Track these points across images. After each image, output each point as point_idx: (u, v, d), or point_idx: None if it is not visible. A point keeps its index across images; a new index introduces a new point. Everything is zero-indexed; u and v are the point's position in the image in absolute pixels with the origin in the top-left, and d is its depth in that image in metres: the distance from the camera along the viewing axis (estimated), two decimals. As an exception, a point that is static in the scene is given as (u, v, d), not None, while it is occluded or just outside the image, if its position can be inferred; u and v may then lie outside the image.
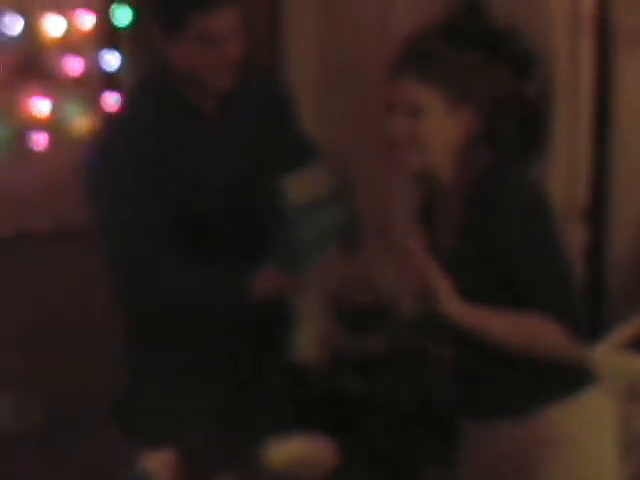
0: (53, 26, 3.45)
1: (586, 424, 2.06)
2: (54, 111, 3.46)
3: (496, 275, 1.99)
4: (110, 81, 3.58)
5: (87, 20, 3.53)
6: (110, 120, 2.45)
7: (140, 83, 2.43)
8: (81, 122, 3.54)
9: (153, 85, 2.38)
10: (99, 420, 2.80)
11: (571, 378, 2.03)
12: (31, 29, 3.42)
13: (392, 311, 2.44)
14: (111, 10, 3.57)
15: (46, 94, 3.43)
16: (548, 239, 1.97)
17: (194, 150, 2.36)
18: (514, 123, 2.98)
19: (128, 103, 2.41)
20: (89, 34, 3.55)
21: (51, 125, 3.45)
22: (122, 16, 3.59)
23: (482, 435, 2.11)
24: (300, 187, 2.19)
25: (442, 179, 2.05)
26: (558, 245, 1.98)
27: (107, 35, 3.59)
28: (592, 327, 3.62)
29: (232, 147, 2.41)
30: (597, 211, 3.69)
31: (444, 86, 1.97)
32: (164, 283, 2.33)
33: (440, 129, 1.99)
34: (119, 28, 3.59)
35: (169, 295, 2.34)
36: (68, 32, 3.48)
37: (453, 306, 1.92)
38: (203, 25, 2.23)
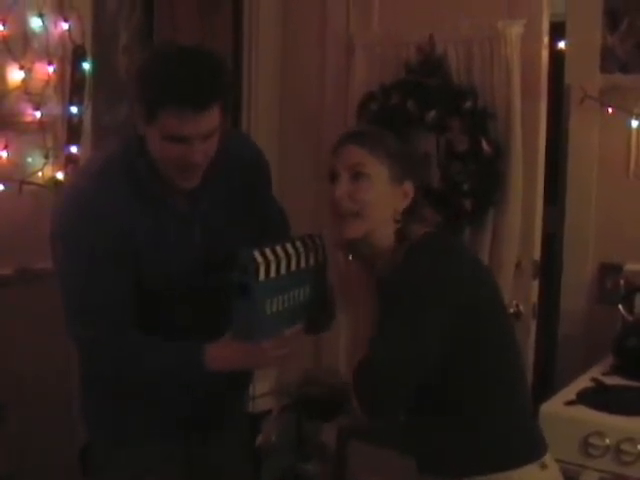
0: (13, 75, 3.45)
1: None
2: (14, 158, 3.45)
3: None
4: (72, 129, 3.58)
5: (49, 70, 3.53)
6: (80, 187, 2.32)
7: (116, 153, 2.32)
8: (42, 169, 3.54)
9: (128, 161, 2.28)
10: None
11: (506, 456, 2.08)
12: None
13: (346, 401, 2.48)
14: (73, 61, 3.58)
15: (6, 141, 3.42)
16: (412, 319, 2.01)
17: (162, 238, 2.31)
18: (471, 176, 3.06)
19: (101, 173, 2.28)
20: (51, 84, 3.55)
21: (11, 172, 3.44)
22: (84, 67, 3.61)
23: None
24: (269, 258, 2.18)
25: (379, 246, 2.16)
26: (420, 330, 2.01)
27: (69, 85, 3.60)
28: (544, 377, 3.70)
29: (202, 234, 2.36)
30: (550, 264, 3.77)
31: (387, 161, 2.12)
32: (123, 357, 2.27)
33: (383, 197, 2.13)
34: (81, 78, 3.59)
35: (128, 368, 2.28)
36: (30, 81, 3.48)
37: None
38: (169, 124, 2.13)
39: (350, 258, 2.22)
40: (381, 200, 2.13)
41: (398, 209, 2.16)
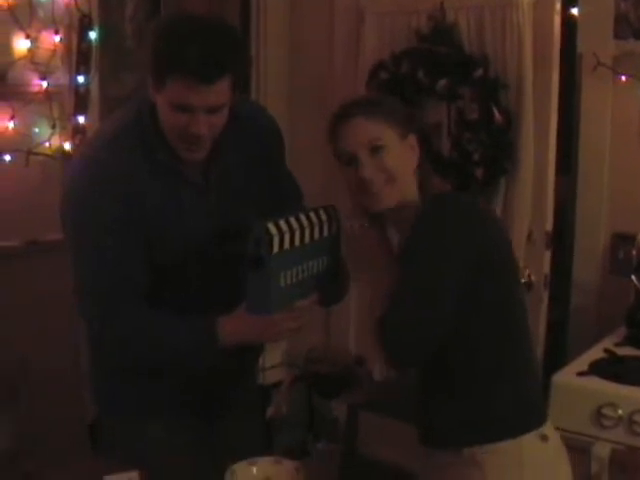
0: (19, 44, 3.42)
1: (514, 470, 2.08)
2: (21, 128, 3.43)
3: None
4: (79, 99, 3.56)
5: (55, 39, 3.50)
6: (90, 155, 2.29)
7: (126, 121, 2.28)
8: (49, 139, 3.51)
9: (139, 129, 2.25)
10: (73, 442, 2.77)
11: (508, 424, 2.09)
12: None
13: (354, 378, 2.50)
14: (80, 30, 3.55)
15: (13, 112, 3.40)
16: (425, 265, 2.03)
17: (174, 206, 2.28)
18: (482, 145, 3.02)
19: (111, 142, 2.25)
20: (57, 53, 3.52)
21: (18, 142, 3.42)
22: (91, 36, 3.58)
23: (433, 461, 2.20)
24: (283, 230, 2.15)
25: (409, 206, 2.14)
26: (428, 277, 2.02)
27: (75, 54, 3.57)
28: (557, 348, 3.68)
29: (215, 203, 2.34)
30: (563, 234, 3.74)
31: (390, 122, 2.13)
32: (135, 330, 2.25)
33: (401, 157, 2.14)
34: (88, 48, 3.57)
35: (139, 342, 2.26)
36: (36, 51, 3.45)
37: None
38: (175, 92, 2.10)
39: (365, 225, 2.21)
40: (401, 160, 2.14)
41: (414, 163, 2.18)
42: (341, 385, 2.25)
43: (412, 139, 2.18)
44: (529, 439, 2.08)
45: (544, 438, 2.10)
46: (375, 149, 2.11)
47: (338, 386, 2.25)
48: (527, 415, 2.12)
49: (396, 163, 2.12)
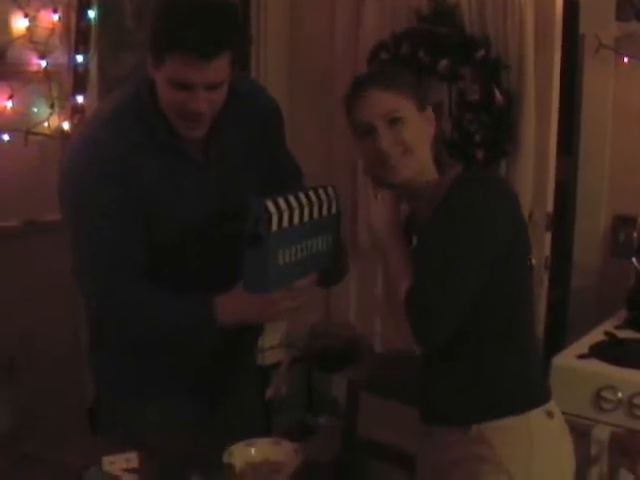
0: (18, 23, 3.39)
1: (523, 446, 2.08)
2: (20, 108, 3.42)
3: None
4: (78, 79, 3.54)
5: (54, 17, 3.48)
6: (89, 134, 2.28)
7: (125, 100, 2.27)
8: (48, 119, 3.50)
9: (138, 107, 2.24)
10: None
11: (516, 399, 2.10)
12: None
13: (356, 352, 2.50)
14: (79, 8, 3.53)
15: (11, 91, 3.38)
16: (455, 248, 2.01)
17: (174, 184, 2.27)
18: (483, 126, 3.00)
19: (110, 120, 2.25)
20: (56, 32, 3.50)
21: (17, 122, 3.41)
22: (90, 14, 3.56)
23: (434, 440, 2.20)
24: (282, 208, 2.13)
25: (426, 180, 2.15)
26: (462, 260, 2.00)
27: (74, 34, 3.55)
28: (557, 330, 3.68)
29: (216, 181, 2.33)
30: (563, 216, 3.74)
31: (408, 95, 2.12)
32: (133, 309, 2.25)
33: (419, 130, 2.13)
34: (87, 26, 3.55)
35: (137, 320, 2.26)
36: (34, 30, 3.43)
37: None
38: (174, 69, 2.09)
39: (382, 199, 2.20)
40: (419, 133, 2.13)
41: (431, 136, 2.17)
42: (344, 359, 2.25)
43: (429, 112, 2.17)
44: (536, 415, 2.09)
45: (550, 414, 2.11)
46: (393, 121, 2.10)
47: (341, 360, 2.25)
48: (533, 392, 2.13)
49: (414, 136, 2.11)
